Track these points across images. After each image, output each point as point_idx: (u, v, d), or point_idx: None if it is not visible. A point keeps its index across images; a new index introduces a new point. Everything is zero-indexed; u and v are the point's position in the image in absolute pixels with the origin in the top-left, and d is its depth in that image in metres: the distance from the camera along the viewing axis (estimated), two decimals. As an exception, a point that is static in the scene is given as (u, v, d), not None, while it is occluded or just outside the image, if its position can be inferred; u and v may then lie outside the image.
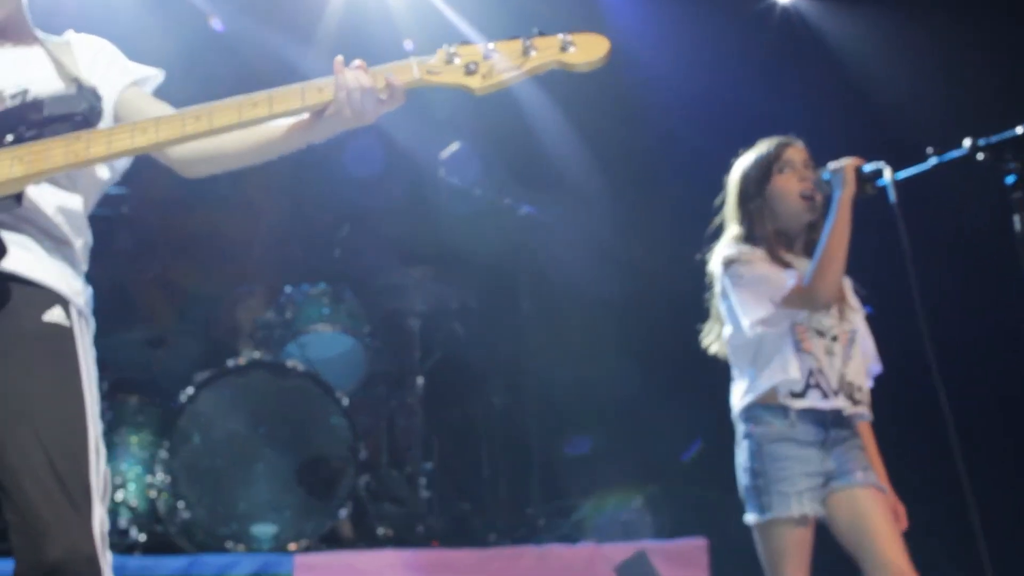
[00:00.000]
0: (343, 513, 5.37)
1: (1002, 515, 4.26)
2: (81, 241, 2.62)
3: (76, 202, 2.62)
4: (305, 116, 2.59)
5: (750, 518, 3.59)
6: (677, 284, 5.98)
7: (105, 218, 5.05)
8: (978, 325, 5.92)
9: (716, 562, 5.56)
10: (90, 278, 2.63)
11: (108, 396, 5.35)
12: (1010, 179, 3.19)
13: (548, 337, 6.35)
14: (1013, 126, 3.15)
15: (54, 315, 2.47)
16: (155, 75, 2.85)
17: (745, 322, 3.56)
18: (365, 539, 5.58)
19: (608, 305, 6.72)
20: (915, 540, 3.70)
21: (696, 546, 5.64)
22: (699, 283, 4.02)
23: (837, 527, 3.59)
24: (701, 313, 3.95)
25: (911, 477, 3.94)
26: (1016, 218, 3.15)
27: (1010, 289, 3.27)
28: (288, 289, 6.04)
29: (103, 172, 2.71)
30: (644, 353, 6.58)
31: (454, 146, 6.01)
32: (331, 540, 5.40)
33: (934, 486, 3.86)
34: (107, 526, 2.47)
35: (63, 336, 2.48)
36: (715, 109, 6.43)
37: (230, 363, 5.43)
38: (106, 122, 2.63)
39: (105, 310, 2.68)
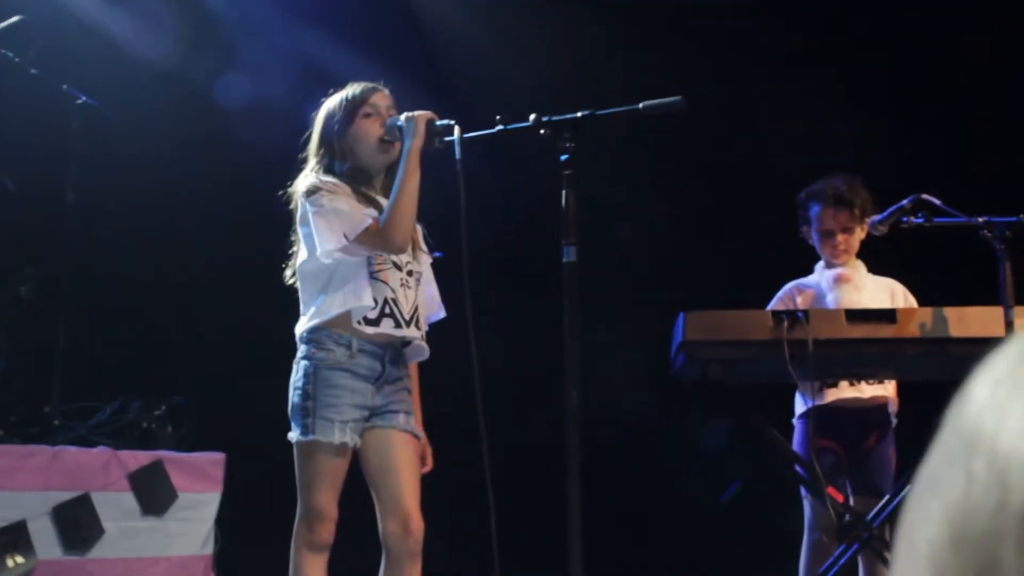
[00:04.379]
0: None
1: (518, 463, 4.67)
2: None
3: None
4: None
5: (293, 436, 3.70)
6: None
7: None
8: (512, 285, 6.39)
9: (231, 477, 5.66)
10: None
11: None
12: (564, 156, 3.50)
13: (92, 233, 6.12)
14: (577, 110, 3.45)
15: None
16: None
17: (319, 250, 3.65)
18: None
19: (167, 208, 6.66)
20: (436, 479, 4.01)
21: (213, 460, 5.70)
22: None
23: (365, 461, 3.80)
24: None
25: (441, 422, 4.23)
26: (564, 192, 3.46)
27: (549, 256, 3.59)
28: None
29: None
30: (196, 257, 6.61)
31: (15, 18, 5.62)
32: None
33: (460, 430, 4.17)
34: None
35: None
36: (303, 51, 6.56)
37: None
38: None
39: None
